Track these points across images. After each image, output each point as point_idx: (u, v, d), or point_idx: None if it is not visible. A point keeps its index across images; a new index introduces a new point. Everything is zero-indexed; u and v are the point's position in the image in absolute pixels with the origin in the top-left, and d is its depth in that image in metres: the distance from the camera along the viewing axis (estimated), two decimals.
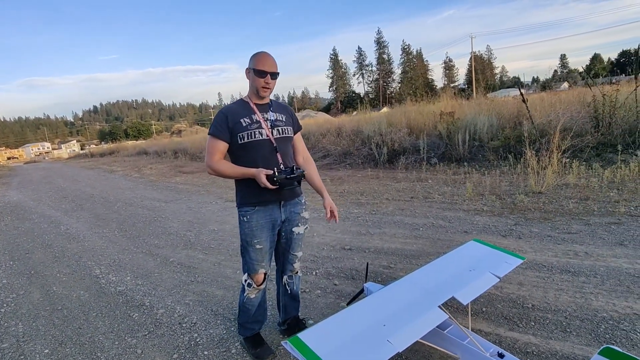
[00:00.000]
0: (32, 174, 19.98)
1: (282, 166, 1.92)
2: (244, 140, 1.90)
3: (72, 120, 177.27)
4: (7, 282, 3.81)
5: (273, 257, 2.18)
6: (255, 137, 1.91)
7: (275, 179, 1.82)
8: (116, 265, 4.03)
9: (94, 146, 59.30)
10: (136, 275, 3.68)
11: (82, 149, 67.75)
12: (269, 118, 1.97)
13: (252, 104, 1.97)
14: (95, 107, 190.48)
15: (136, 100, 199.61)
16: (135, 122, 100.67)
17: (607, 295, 2.42)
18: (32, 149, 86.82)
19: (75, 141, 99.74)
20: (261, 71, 1.89)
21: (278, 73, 1.95)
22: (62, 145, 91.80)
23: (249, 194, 1.95)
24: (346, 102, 69.04)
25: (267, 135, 1.94)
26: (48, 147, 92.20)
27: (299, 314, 2.40)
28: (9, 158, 69.25)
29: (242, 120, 1.91)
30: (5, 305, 3.25)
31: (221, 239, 4.58)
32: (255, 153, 1.92)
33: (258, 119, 1.94)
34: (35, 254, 4.69)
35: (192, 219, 5.76)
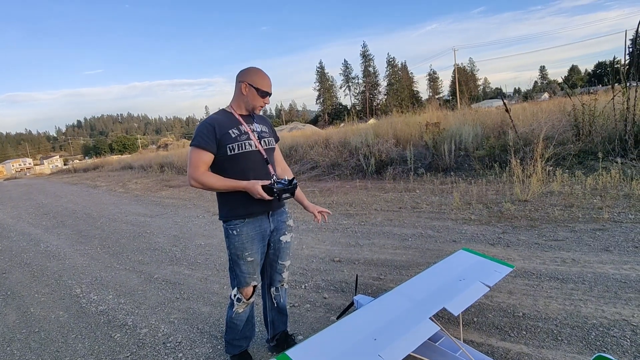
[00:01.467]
0: (12, 191, 19.40)
1: (275, 177, 1.91)
2: (234, 151, 1.85)
3: (55, 135, 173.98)
4: None
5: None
6: (245, 148, 1.87)
7: (274, 190, 1.80)
8: (98, 283, 3.89)
9: (78, 161, 58.21)
10: (119, 293, 3.55)
11: (65, 164, 66.37)
12: (255, 129, 1.95)
13: (236, 115, 1.94)
14: (79, 121, 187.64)
15: (121, 114, 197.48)
16: (121, 136, 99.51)
17: (595, 301, 2.42)
18: (12, 165, 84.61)
19: (58, 156, 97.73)
20: (265, 92, 1.91)
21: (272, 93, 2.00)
22: (44, 160, 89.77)
23: (236, 206, 1.90)
24: (333, 114, 69.78)
25: (256, 147, 1.91)
26: (30, 163, 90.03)
27: (288, 329, 2.34)
28: None
29: (230, 131, 1.87)
30: None
31: (208, 254, 4.48)
32: (245, 164, 1.88)
33: (246, 130, 1.91)
34: (13, 274, 4.50)
35: (178, 234, 5.63)
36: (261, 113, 2.09)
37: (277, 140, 2.14)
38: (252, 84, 1.88)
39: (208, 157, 1.86)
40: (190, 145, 1.88)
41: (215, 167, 1.90)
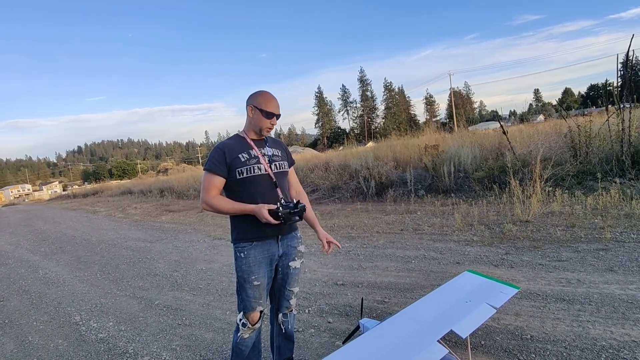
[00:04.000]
0: (10, 217, 19.31)
1: (283, 201, 1.91)
2: (242, 175, 1.89)
3: (55, 161, 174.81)
4: None
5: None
6: (254, 172, 1.90)
7: (280, 214, 1.80)
8: (98, 310, 3.83)
9: (77, 187, 58.15)
10: (119, 320, 3.50)
11: (64, 190, 66.28)
12: (266, 153, 1.98)
13: (249, 140, 1.98)
14: (79, 147, 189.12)
15: (122, 139, 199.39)
16: (120, 161, 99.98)
17: (603, 323, 2.40)
18: (11, 191, 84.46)
19: (57, 182, 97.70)
20: (270, 113, 1.92)
21: (280, 114, 2.00)
22: (43, 186, 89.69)
23: (246, 229, 1.92)
24: (332, 137, 70.45)
25: (266, 170, 1.94)
26: (28, 189, 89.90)
27: (293, 356, 2.29)
28: None
29: (240, 155, 1.91)
30: None
31: (210, 279, 4.44)
32: (253, 188, 1.90)
33: (256, 154, 1.94)
34: (11, 302, 4.44)
35: (178, 259, 5.59)
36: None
37: (291, 163, 2.16)
38: (257, 106, 1.93)
39: (219, 181, 1.90)
40: (204, 170, 1.94)
41: (227, 191, 1.95)
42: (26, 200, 61.00)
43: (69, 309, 3.93)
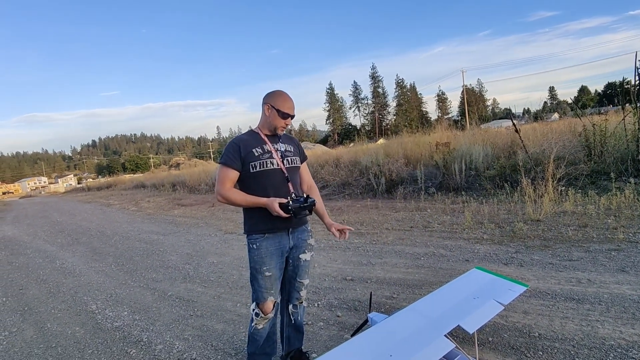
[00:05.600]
0: (28, 209, 19.84)
1: (294, 195, 1.96)
2: (255, 169, 1.95)
3: (70, 154, 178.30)
4: None
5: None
6: (267, 166, 1.96)
7: (289, 207, 1.85)
8: (113, 300, 3.94)
9: (91, 180, 59.28)
10: (133, 310, 3.60)
11: (79, 183, 67.65)
12: (279, 148, 2.04)
13: (262, 135, 2.04)
14: (93, 141, 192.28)
15: (135, 134, 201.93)
16: (133, 155, 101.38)
17: (613, 322, 2.39)
18: (28, 184, 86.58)
19: (72, 175, 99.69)
20: (286, 114, 1.99)
21: (295, 115, 2.06)
22: (58, 179, 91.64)
23: (258, 221, 1.98)
24: (343, 134, 70.32)
25: (279, 165, 1.99)
26: (45, 182, 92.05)
27: (302, 347, 2.35)
28: (4, 193, 68.95)
29: (254, 150, 1.97)
30: None
31: (221, 272, 4.52)
32: (266, 181, 1.96)
33: (269, 149, 2.00)
34: (30, 290, 4.59)
35: (190, 252, 5.70)
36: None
37: (303, 159, 2.22)
38: (273, 105, 1.99)
39: (233, 174, 1.97)
40: (219, 163, 2.01)
41: (241, 184, 2.02)
42: (42, 192, 62.43)
43: (85, 298, 4.06)
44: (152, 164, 75.05)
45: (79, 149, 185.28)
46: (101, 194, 26.49)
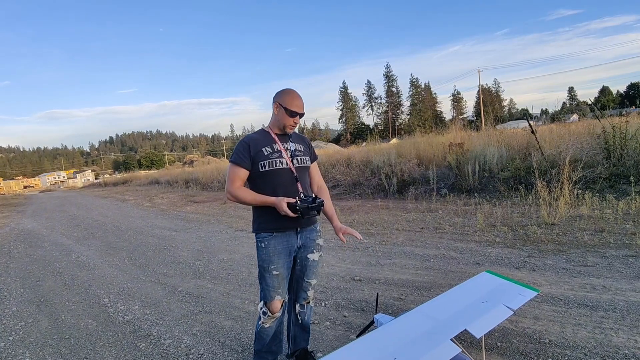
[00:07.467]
0: (47, 203, 20.38)
1: (302, 195, 1.96)
2: (265, 168, 1.95)
3: (88, 150, 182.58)
4: (16, 309, 3.82)
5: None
6: (276, 165, 1.96)
7: (297, 207, 1.85)
8: (125, 294, 4.02)
9: (108, 176, 60.60)
10: (144, 304, 3.66)
11: (96, 179, 69.18)
12: (289, 148, 2.03)
13: (273, 134, 2.04)
14: (111, 137, 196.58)
15: (150, 131, 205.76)
16: (149, 152, 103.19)
17: (628, 331, 2.32)
18: (47, 178, 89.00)
19: (90, 171, 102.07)
20: (294, 112, 1.98)
21: (304, 113, 2.05)
22: (77, 174, 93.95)
23: (267, 220, 1.98)
24: (355, 133, 70.09)
25: (288, 164, 1.99)
26: (63, 177, 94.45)
27: (308, 346, 2.35)
28: (25, 187, 70.96)
29: (263, 149, 1.97)
30: (13, 333, 3.25)
31: (230, 269, 4.56)
32: (275, 181, 1.96)
33: (279, 149, 2.00)
34: (46, 282, 4.72)
35: (201, 248, 5.76)
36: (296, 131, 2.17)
37: (314, 159, 2.21)
38: (282, 103, 1.98)
39: (243, 173, 1.98)
40: (229, 162, 2.02)
41: (250, 183, 2.03)
42: (61, 187, 64.06)
43: (98, 292, 4.15)
44: (167, 161, 76.20)
45: (96, 144, 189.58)
46: (117, 189, 27.05)
